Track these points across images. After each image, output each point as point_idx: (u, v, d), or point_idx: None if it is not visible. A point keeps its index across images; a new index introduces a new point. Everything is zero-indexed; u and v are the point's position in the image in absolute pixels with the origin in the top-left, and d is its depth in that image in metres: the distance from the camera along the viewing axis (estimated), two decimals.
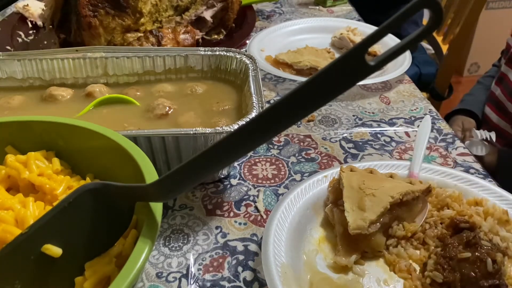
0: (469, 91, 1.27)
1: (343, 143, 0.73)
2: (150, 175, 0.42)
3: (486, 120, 1.16)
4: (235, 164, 0.68)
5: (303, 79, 0.87)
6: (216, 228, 0.58)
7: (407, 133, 0.75)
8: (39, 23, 1.06)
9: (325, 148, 0.72)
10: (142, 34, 0.89)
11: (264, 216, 0.59)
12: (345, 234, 0.51)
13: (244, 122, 0.50)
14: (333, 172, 0.60)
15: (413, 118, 0.79)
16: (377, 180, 0.55)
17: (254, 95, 0.59)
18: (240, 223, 0.58)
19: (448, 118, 1.22)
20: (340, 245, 0.51)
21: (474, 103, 1.20)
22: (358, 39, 1.02)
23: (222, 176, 0.65)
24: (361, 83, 0.87)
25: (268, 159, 0.69)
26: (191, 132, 0.53)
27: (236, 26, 1.05)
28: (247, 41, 1.01)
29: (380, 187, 0.53)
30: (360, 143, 0.73)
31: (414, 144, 0.65)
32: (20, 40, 1.00)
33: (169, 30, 0.90)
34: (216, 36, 1.03)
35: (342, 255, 0.50)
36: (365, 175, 0.57)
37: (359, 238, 0.51)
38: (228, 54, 0.70)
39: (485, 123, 1.16)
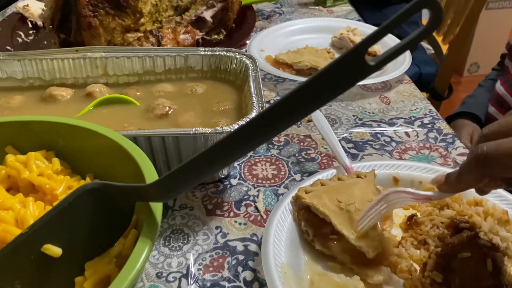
0: (471, 93, 1.27)
1: (343, 143, 0.73)
2: (150, 175, 0.42)
3: (490, 120, 1.15)
4: (235, 164, 0.68)
5: (303, 79, 0.87)
6: (216, 228, 0.58)
7: (407, 133, 0.75)
8: (39, 23, 1.06)
9: (325, 148, 0.72)
10: (142, 34, 0.89)
11: (264, 216, 0.59)
12: (355, 260, 0.49)
13: (244, 122, 0.50)
14: (332, 172, 0.60)
15: (413, 118, 0.79)
16: (345, 191, 0.53)
17: (254, 95, 0.59)
18: (240, 223, 0.58)
19: (449, 119, 1.22)
20: (357, 271, 0.49)
21: (477, 105, 1.19)
22: (358, 39, 1.02)
23: (222, 176, 0.65)
24: (361, 83, 0.87)
25: (268, 159, 0.69)
26: (191, 132, 0.53)
27: (236, 26, 1.05)
28: (247, 41, 1.01)
29: (355, 197, 0.52)
30: (360, 143, 0.73)
31: (326, 141, 0.66)
32: (20, 40, 1.00)
33: (169, 30, 0.90)
34: (216, 36, 1.03)
35: (369, 276, 0.48)
36: (331, 191, 0.54)
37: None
38: (228, 54, 0.70)
39: (489, 123, 1.16)
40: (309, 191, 0.54)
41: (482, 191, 0.45)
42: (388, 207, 0.48)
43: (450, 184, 0.43)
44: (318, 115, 0.70)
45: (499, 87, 1.13)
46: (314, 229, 0.52)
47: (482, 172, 0.38)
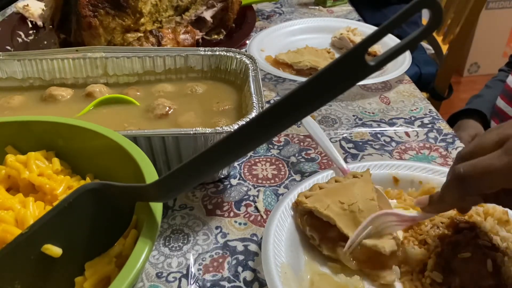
0: (478, 93, 1.26)
1: (343, 143, 0.73)
2: (150, 175, 0.42)
3: (498, 113, 1.15)
4: (235, 164, 0.68)
5: (303, 79, 0.87)
6: (216, 228, 0.58)
7: (407, 133, 0.75)
8: (39, 23, 1.06)
9: None
10: (142, 34, 0.89)
11: (264, 216, 0.59)
12: (366, 262, 0.49)
13: (244, 122, 0.50)
14: (332, 172, 0.60)
15: (413, 118, 0.79)
16: (345, 192, 0.53)
17: (254, 95, 0.59)
18: (240, 223, 0.58)
19: (454, 118, 1.21)
20: (368, 273, 0.49)
21: (483, 103, 1.19)
22: (358, 39, 1.02)
23: (222, 176, 0.65)
24: (361, 83, 0.87)
25: (268, 159, 0.69)
26: (191, 132, 0.53)
27: (236, 26, 1.05)
28: (247, 41, 1.01)
29: (356, 196, 0.52)
30: (360, 143, 0.73)
31: (322, 146, 0.65)
32: (20, 40, 1.00)
33: (169, 30, 0.90)
34: (216, 36, 1.03)
35: (381, 276, 0.48)
36: (331, 193, 0.54)
37: (378, 254, 0.49)
38: (228, 54, 0.70)
39: (497, 117, 1.15)
40: (308, 195, 0.54)
41: (464, 210, 0.47)
42: (377, 233, 0.49)
43: (433, 205, 0.46)
44: (309, 120, 0.69)
45: (511, 80, 1.12)
46: (320, 233, 0.52)
47: (461, 191, 0.41)
